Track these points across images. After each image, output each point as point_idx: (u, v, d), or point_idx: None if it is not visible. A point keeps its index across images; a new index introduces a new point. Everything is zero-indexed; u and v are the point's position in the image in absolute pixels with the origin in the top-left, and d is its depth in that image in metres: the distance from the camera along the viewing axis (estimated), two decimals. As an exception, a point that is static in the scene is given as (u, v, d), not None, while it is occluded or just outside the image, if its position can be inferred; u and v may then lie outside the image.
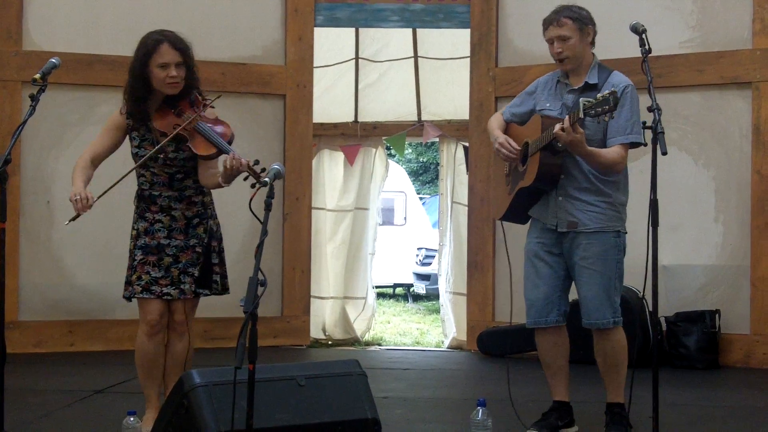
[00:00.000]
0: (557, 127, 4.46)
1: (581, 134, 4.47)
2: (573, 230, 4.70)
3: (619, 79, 4.69)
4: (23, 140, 7.21)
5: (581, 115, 4.34)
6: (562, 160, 4.68)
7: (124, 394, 5.80)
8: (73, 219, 4.44)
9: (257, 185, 3.79)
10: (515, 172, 4.90)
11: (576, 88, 4.76)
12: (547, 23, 4.77)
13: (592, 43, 4.80)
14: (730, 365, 7.15)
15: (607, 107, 4.29)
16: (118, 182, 4.48)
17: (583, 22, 4.73)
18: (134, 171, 4.64)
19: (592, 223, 4.68)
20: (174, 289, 4.60)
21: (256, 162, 4.32)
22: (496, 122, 5.06)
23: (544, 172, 4.66)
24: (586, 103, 4.33)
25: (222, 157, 4.47)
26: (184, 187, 4.66)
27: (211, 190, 4.79)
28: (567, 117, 4.47)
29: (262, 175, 4.15)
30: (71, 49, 7.46)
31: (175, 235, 4.63)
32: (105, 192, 4.43)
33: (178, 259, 4.62)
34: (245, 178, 4.32)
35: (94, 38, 7.74)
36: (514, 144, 4.84)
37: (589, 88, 4.70)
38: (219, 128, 4.57)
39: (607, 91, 4.34)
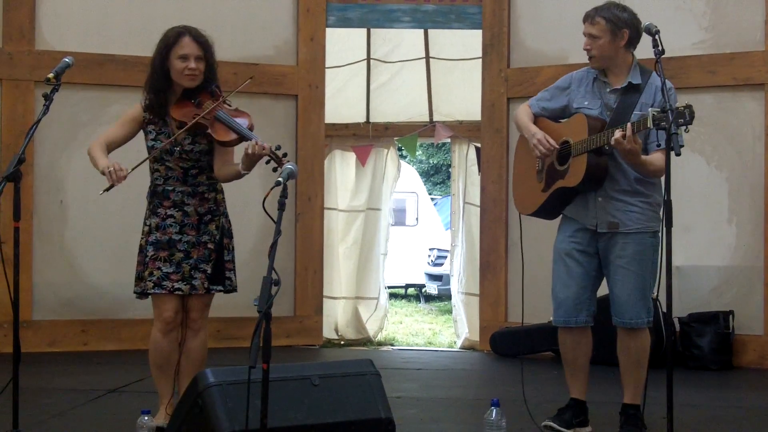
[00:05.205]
0: (618, 133, 4.37)
1: (639, 144, 4.43)
2: (613, 231, 4.69)
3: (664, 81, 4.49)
4: (36, 139, 7.22)
5: (650, 125, 4.22)
6: (607, 163, 4.65)
7: (138, 394, 5.80)
8: (108, 190, 4.43)
9: (274, 184, 3.78)
10: (551, 170, 4.84)
11: (618, 88, 4.72)
12: (584, 19, 4.75)
13: (631, 45, 4.72)
14: (744, 366, 7.13)
15: (682, 121, 4.18)
16: (144, 161, 4.58)
17: (617, 24, 4.65)
18: (149, 166, 4.68)
19: (633, 224, 4.67)
20: (185, 285, 4.62)
21: (278, 147, 4.39)
22: (527, 116, 4.98)
23: (592, 175, 4.62)
24: (656, 114, 4.22)
25: (242, 146, 4.51)
26: (197, 183, 4.68)
27: (224, 188, 4.82)
28: (629, 125, 4.38)
29: (284, 159, 4.29)
30: (83, 48, 7.47)
31: (187, 230, 4.65)
32: (137, 166, 4.50)
33: (189, 255, 4.64)
34: (267, 162, 4.39)
35: (106, 38, 7.76)
36: (552, 141, 4.78)
37: (633, 89, 4.67)
38: (240, 118, 4.62)
39: (682, 105, 4.21)
